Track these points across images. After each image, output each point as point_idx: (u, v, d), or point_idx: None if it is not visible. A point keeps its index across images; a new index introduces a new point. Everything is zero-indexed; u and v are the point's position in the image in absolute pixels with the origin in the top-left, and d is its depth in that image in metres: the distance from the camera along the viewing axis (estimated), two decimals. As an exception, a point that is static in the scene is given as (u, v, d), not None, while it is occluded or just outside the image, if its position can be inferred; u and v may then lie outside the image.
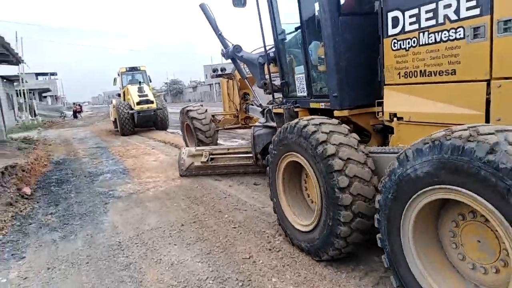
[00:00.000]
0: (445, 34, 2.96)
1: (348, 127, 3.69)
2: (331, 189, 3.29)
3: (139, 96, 18.28)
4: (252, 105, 8.84)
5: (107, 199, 6.84)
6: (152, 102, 18.20)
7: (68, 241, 4.93)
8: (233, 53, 6.97)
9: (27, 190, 7.45)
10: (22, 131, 23.57)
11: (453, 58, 2.94)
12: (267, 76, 5.84)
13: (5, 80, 27.27)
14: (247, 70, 7.56)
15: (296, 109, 5.04)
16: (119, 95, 21.65)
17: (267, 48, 5.53)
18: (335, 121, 3.78)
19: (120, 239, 4.82)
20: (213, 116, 9.91)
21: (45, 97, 64.60)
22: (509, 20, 2.49)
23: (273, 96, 5.89)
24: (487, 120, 2.74)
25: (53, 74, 78.67)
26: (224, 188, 6.86)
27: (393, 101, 3.54)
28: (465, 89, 2.89)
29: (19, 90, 30.60)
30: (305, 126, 3.64)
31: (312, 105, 4.67)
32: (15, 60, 15.69)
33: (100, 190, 7.48)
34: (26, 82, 34.24)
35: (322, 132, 3.47)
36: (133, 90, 18.75)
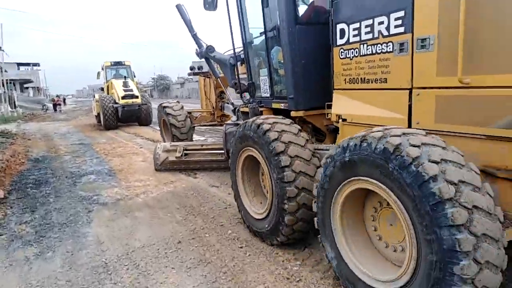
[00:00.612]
0: (379, 47, 3.34)
1: (299, 127, 4.05)
2: (280, 182, 3.67)
3: (124, 90, 18.15)
4: (227, 103, 9.04)
5: (90, 205, 6.08)
6: (137, 97, 18.14)
7: (45, 259, 4.19)
8: (206, 53, 7.41)
9: (-1, 192, 6.63)
10: (0, 123, 22.38)
11: (384, 68, 3.32)
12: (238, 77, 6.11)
13: (-18, 69, 25.89)
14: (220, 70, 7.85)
15: (261, 109, 5.36)
16: (102, 89, 21.41)
17: (237, 50, 5.85)
18: (288, 121, 4.12)
19: (106, 259, 4.11)
20: (189, 113, 10.20)
21: (26, 88, 62.41)
22: (425, 38, 2.91)
23: (241, 96, 6.20)
24: (409, 123, 3.10)
25: (35, 64, 76.38)
26: (223, 196, 6.19)
27: (339, 104, 3.92)
28: (394, 96, 3.28)
29: (0, 80, 29.17)
30: (261, 124, 3.98)
31: (274, 106, 5.00)
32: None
33: (83, 195, 6.71)
34: (6, 71, 32.73)
35: (275, 131, 3.83)
36: (117, 84, 18.66)
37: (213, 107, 10.09)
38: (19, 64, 71.61)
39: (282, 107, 4.78)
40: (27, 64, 74.88)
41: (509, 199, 2.63)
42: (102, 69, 20.99)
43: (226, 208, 5.60)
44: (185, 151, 8.14)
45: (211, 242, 4.40)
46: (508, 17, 2.44)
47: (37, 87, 70.24)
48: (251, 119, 4.28)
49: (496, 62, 2.55)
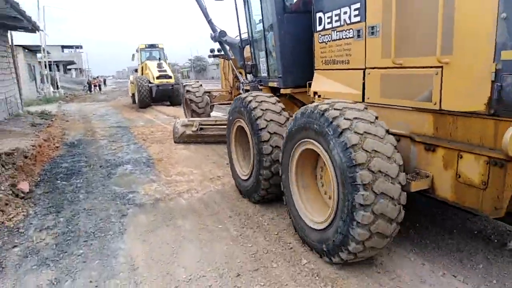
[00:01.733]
0: (344, 33, 4.01)
1: (277, 99, 4.71)
2: (258, 142, 4.41)
3: (159, 71, 18.86)
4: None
5: (125, 206, 5.03)
6: (170, 77, 18.85)
7: (61, 291, 3.13)
8: (219, 37, 8.22)
9: (24, 186, 5.72)
10: (42, 103, 22.26)
11: (348, 51, 3.99)
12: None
13: (26, 50, 25.87)
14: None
15: (260, 87, 5.99)
16: (136, 70, 22.53)
17: (244, 35, 6.54)
18: (269, 95, 4.87)
19: (141, 297, 2.98)
20: (209, 92, 11.17)
21: (69, 69, 63.73)
22: (373, 26, 3.54)
23: (246, 76, 7.05)
24: (363, 98, 3.78)
25: (78, 47, 77.90)
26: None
27: (317, 82, 4.62)
28: (353, 75, 3.93)
29: (43, 61, 29.21)
30: (245, 98, 4.73)
31: (270, 84, 5.59)
32: (31, 26, 13.94)
33: (117, 191, 5.68)
34: (49, 53, 32.93)
35: (256, 101, 4.55)
36: (152, 65, 19.46)
37: (231, 87, 10.89)
38: (63, 47, 73.28)
39: (276, 85, 5.41)
40: (71, 47, 76.50)
41: (423, 159, 3.20)
42: (137, 51, 21.96)
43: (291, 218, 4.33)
44: (201, 126, 8.93)
45: (282, 277, 3.16)
46: (422, 11, 3.05)
47: (80, 69, 71.74)
48: (242, 95, 4.95)
49: (416, 47, 3.12)
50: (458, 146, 2.85)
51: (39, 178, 6.49)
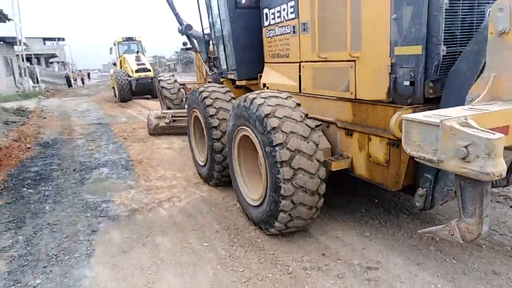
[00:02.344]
0: (284, 28, 4.34)
1: (228, 89, 5.14)
2: (209, 128, 4.80)
3: (137, 64, 18.55)
4: None
5: (96, 220, 4.37)
6: (149, 70, 18.49)
7: None
8: (186, 31, 8.39)
9: (-19, 196, 5.02)
10: (21, 99, 21.21)
11: (287, 46, 4.32)
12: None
13: (1, 42, 24.63)
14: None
15: (221, 79, 6.17)
16: (115, 64, 22.18)
17: (207, 29, 6.73)
18: (220, 85, 5.27)
19: None
20: (183, 85, 11.06)
21: (51, 63, 61.85)
22: (305, 23, 3.91)
23: (211, 69, 7.25)
24: (300, 89, 4.18)
25: (60, 39, 75.70)
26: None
27: (265, 75, 5.01)
28: (291, 68, 4.29)
29: (20, 54, 27.90)
30: (198, 89, 5.14)
31: (229, 76, 5.81)
32: (1, 16, 12.99)
33: (90, 200, 5.01)
34: (27, 45, 31.60)
35: (207, 91, 4.96)
36: (130, 58, 19.19)
37: (205, 79, 10.83)
38: (45, 39, 71.08)
39: (233, 78, 5.63)
40: (53, 39, 74.24)
41: (344, 142, 3.66)
42: (114, 44, 21.66)
43: (239, 202, 3.75)
44: (173, 118, 9.11)
45: (284, 316, 2.57)
46: (336, 11, 3.41)
47: (63, 62, 69.74)
48: (197, 88, 5.21)
49: (335, 43, 3.50)
50: (368, 130, 3.31)
51: (2, 186, 5.76)
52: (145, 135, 9.46)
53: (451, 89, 2.68)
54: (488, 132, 1.87)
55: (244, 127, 3.74)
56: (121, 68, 20.24)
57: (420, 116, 2.10)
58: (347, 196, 4.63)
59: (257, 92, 3.70)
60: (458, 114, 2.03)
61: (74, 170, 6.54)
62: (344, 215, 4.14)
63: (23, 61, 27.81)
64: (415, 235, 3.62)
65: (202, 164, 5.45)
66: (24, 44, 29.25)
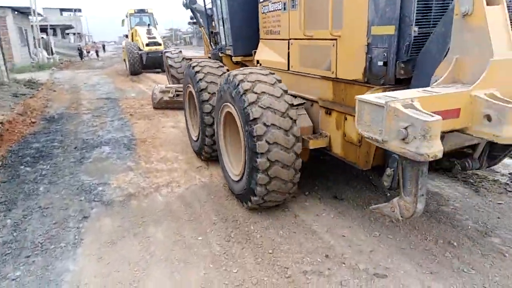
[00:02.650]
0: (276, 5, 4.28)
1: (220, 64, 5.13)
2: (200, 102, 4.83)
3: (148, 38, 18.27)
4: None
5: (89, 204, 4.15)
6: (160, 44, 18.14)
7: None
8: (190, 5, 8.11)
9: (-24, 174, 4.85)
10: (35, 70, 21.17)
11: (278, 22, 4.27)
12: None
13: (16, 12, 24.40)
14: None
15: (221, 55, 6.12)
16: (127, 36, 21.96)
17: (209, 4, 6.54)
18: (213, 60, 5.32)
19: None
20: (189, 59, 11.18)
21: (67, 34, 61.66)
22: (294, 0, 3.85)
23: (210, 45, 7.17)
24: (288, 67, 4.16)
25: (77, 10, 75.30)
26: (287, 201, 4.03)
27: (259, 51, 4.92)
28: (281, 45, 4.25)
29: (35, 25, 27.69)
30: (191, 63, 5.12)
31: (227, 52, 5.73)
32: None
33: (86, 182, 4.79)
34: (41, 15, 31.36)
35: (199, 66, 4.95)
36: (141, 31, 18.87)
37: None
38: (62, 10, 70.80)
39: (229, 53, 5.59)
40: (70, 10, 73.90)
41: (324, 121, 3.66)
42: (126, 16, 21.30)
43: (295, 232, 3.45)
44: (177, 92, 9.02)
45: (276, 331, 2.30)
46: None
47: (79, 34, 69.52)
48: (189, 62, 5.25)
49: (318, 21, 3.47)
50: (345, 109, 3.31)
51: (0, 162, 5.60)
52: (152, 111, 9.20)
53: (421, 70, 2.67)
54: (427, 114, 1.88)
55: (228, 103, 3.78)
56: (132, 40, 19.96)
57: (370, 96, 2.11)
58: (358, 188, 4.28)
59: (240, 69, 3.76)
60: (407, 96, 2.05)
61: (75, 148, 6.34)
62: (352, 210, 3.81)
63: (38, 32, 27.59)
64: (430, 236, 3.28)
65: (195, 138, 5.52)
66: (39, 14, 29.02)
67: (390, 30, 2.72)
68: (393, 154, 2.70)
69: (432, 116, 1.85)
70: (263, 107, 3.25)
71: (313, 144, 3.59)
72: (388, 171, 2.85)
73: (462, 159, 3.22)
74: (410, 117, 1.88)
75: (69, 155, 5.93)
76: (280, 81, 3.52)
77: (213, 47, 6.90)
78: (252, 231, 3.46)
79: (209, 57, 6.76)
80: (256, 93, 3.32)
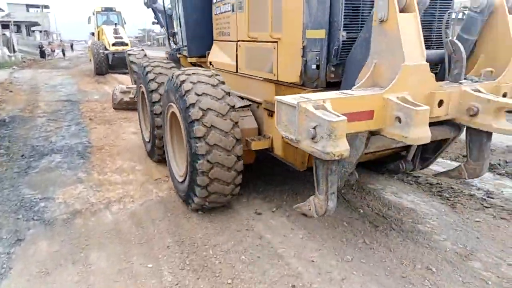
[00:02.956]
0: (225, 6, 4.28)
1: (174, 64, 5.10)
2: (151, 103, 4.72)
3: (115, 37, 17.86)
4: None
5: (27, 224, 3.63)
6: (126, 45, 17.63)
7: None
8: (150, 4, 7.98)
9: None
10: (-7, 69, 19.95)
11: (228, 24, 4.24)
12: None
13: (-27, 7, 22.97)
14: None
15: (178, 55, 6.01)
16: (93, 34, 21.43)
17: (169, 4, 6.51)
18: (167, 61, 5.19)
19: None
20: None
21: (33, 31, 59.07)
22: (240, 1, 3.83)
23: (170, 45, 6.87)
24: (237, 69, 4.13)
25: (45, 6, 72.39)
26: (252, 220, 3.65)
27: (212, 52, 4.85)
28: (231, 47, 4.22)
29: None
30: (143, 63, 5.06)
31: (184, 53, 5.59)
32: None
33: (27, 196, 4.24)
34: (2, 10, 29.76)
35: (150, 66, 4.85)
36: (108, 30, 18.44)
37: None
38: (28, 6, 67.87)
39: (185, 54, 5.46)
40: (37, 6, 70.98)
41: (267, 122, 3.66)
42: (93, 14, 20.74)
43: (259, 256, 3.07)
44: None
45: None
46: None
47: (46, 31, 66.82)
48: (142, 62, 5.26)
49: (261, 23, 3.44)
50: None
51: None
52: (114, 116, 8.62)
53: (348, 74, 2.73)
54: (334, 115, 1.93)
55: (172, 104, 3.74)
56: (98, 39, 19.31)
57: (287, 97, 2.15)
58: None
59: (183, 69, 3.75)
60: (320, 97, 2.10)
61: (22, 156, 5.73)
62: (323, 229, 3.47)
63: (-2, 28, 26.14)
64: (406, 260, 2.99)
65: (147, 140, 5.40)
66: (1, 9, 27.47)
67: (321, 34, 2.77)
68: None
69: (338, 117, 1.90)
70: (204, 109, 3.23)
71: (255, 146, 3.57)
72: None
73: (396, 161, 3.51)
74: (317, 117, 1.93)
75: (13, 164, 5.33)
76: (223, 83, 3.49)
77: (172, 48, 6.61)
78: (211, 256, 3.06)
79: (167, 58, 6.49)
80: (197, 94, 3.29)
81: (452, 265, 2.92)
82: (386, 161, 3.89)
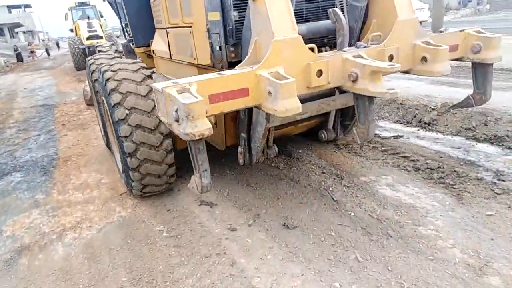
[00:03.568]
0: None
1: (117, 55, 4.79)
2: (96, 95, 4.66)
3: (89, 31, 17.47)
4: None
5: (-36, 270, 3.10)
6: (101, 37, 17.09)
7: None
8: None
9: None
10: (-26, 77, 19.24)
11: (160, 11, 3.99)
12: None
13: None
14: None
15: (133, 47, 5.43)
16: (71, 30, 20.90)
17: None
18: (110, 52, 5.40)
19: None
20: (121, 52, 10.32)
21: (17, 33, 57.70)
22: None
23: (125, 37, 6.41)
24: (171, 56, 4.01)
25: (27, 6, 70.63)
26: (225, 239, 3.11)
27: (154, 41, 4.62)
28: (163, 34, 4.09)
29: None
30: (89, 58, 4.72)
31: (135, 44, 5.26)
32: None
33: (-28, 231, 3.72)
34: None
35: (93, 59, 4.46)
36: (82, 25, 18.09)
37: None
38: (9, 7, 66.21)
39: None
40: (18, 7, 69.22)
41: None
42: (69, 10, 20.32)
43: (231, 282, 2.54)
44: None
45: None
46: None
47: (31, 31, 65.36)
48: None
49: (177, 8, 3.39)
50: None
51: None
52: (89, 118, 8.02)
53: (244, 53, 2.74)
54: (194, 97, 1.98)
55: (103, 98, 3.72)
56: (76, 35, 18.82)
57: (158, 84, 2.17)
58: (315, 208, 3.41)
59: (111, 63, 3.73)
60: (188, 81, 2.12)
61: (-21, 177, 5.19)
62: (307, 245, 2.93)
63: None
64: (407, 283, 2.44)
65: (103, 133, 5.40)
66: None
67: (216, 16, 2.82)
68: (241, 133, 3.17)
69: (196, 98, 1.95)
70: (128, 108, 3.26)
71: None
72: (240, 149, 3.25)
73: (319, 132, 3.68)
74: (177, 101, 1.97)
75: (-33, 190, 4.79)
76: (149, 77, 3.52)
77: (127, 40, 6.06)
78: (173, 298, 2.53)
79: (122, 50, 6.19)
80: (121, 93, 3.30)
81: (464, 284, 2.37)
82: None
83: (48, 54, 34.97)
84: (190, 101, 1.92)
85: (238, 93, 2.18)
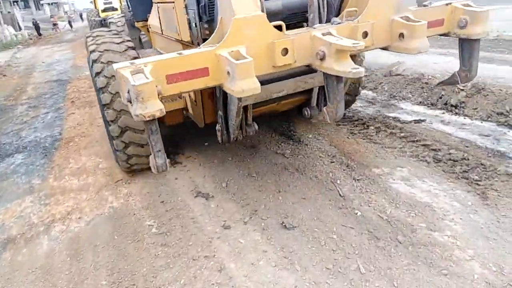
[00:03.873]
0: None
1: (116, 32, 4.37)
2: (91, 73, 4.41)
3: (104, 3, 18.29)
4: None
5: None
6: (116, 9, 17.63)
7: None
8: None
9: None
10: (-2, 50, 19.50)
11: None
12: None
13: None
14: None
15: (135, 21, 5.40)
16: (91, 2, 21.71)
17: None
18: (108, 29, 5.20)
19: None
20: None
21: (42, 5, 58.02)
22: None
23: (129, 11, 6.51)
24: (162, 31, 3.98)
25: (51, -24, 70.58)
26: (216, 238, 2.85)
27: (150, 16, 4.54)
28: (155, 9, 4.08)
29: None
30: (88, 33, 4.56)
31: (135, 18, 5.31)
32: None
33: (-35, 219, 3.61)
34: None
35: (90, 33, 4.23)
36: None
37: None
38: (34, -22, 66.34)
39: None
40: (43, -22, 69.28)
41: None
42: None
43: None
44: None
45: None
46: None
47: (56, 3, 65.64)
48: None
49: None
50: None
51: None
52: (98, 95, 7.84)
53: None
54: (145, 78, 1.92)
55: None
56: (95, 7, 19.29)
57: (118, 64, 2.11)
58: (318, 204, 3.08)
59: (99, 43, 3.71)
60: (144, 61, 2.08)
61: (-18, 158, 5.11)
62: (306, 248, 2.63)
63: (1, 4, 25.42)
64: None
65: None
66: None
67: None
68: (219, 111, 3.12)
69: (147, 79, 1.90)
70: (113, 93, 3.32)
71: (169, 107, 3.60)
72: (218, 127, 3.25)
73: (302, 109, 3.65)
74: (127, 82, 1.93)
75: (-32, 172, 4.72)
76: (136, 58, 3.43)
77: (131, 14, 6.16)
78: (152, 306, 2.31)
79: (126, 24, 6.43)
80: (106, 77, 3.37)
81: (483, 312, 2.02)
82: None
83: (71, 26, 35.11)
84: (140, 82, 1.86)
85: (197, 73, 2.14)
